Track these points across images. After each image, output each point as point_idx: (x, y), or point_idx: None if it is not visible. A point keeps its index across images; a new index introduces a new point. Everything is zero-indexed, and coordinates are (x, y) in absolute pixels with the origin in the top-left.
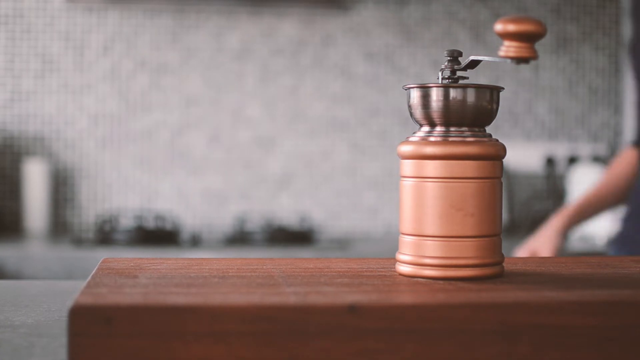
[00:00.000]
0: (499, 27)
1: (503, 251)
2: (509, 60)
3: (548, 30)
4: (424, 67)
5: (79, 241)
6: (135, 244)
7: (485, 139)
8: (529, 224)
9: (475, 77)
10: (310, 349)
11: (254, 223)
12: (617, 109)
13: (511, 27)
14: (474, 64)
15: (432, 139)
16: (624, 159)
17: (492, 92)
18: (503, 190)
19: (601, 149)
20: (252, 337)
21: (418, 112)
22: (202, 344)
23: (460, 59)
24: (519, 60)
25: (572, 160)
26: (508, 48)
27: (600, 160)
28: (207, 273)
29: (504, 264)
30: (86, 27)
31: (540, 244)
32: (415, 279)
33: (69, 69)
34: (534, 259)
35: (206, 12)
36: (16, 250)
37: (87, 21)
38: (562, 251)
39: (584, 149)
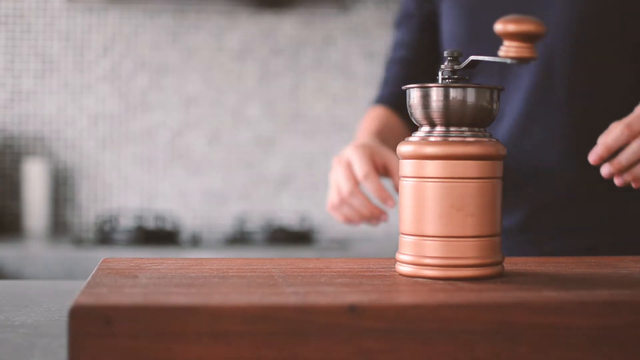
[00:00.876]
0: (498, 27)
1: (503, 251)
2: (509, 61)
3: None
4: None
5: (79, 241)
6: (135, 244)
7: (485, 139)
8: None
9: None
10: (310, 349)
11: (254, 223)
12: None
13: (511, 27)
14: (473, 64)
15: (432, 139)
16: (381, 113)
17: (492, 92)
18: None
19: None
20: (252, 337)
21: (418, 112)
22: (202, 344)
23: (460, 59)
24: (520, 60)
25: None
26: (508, 48)
27: None
28: (207, 273)
29: (504, 264)
30: (86, 27)
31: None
32: (415, 279)
33: (69, 69)
34: (534, 260)
35: (206, 12)
36: (16, 250)
37: (87, 21)
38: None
39: None
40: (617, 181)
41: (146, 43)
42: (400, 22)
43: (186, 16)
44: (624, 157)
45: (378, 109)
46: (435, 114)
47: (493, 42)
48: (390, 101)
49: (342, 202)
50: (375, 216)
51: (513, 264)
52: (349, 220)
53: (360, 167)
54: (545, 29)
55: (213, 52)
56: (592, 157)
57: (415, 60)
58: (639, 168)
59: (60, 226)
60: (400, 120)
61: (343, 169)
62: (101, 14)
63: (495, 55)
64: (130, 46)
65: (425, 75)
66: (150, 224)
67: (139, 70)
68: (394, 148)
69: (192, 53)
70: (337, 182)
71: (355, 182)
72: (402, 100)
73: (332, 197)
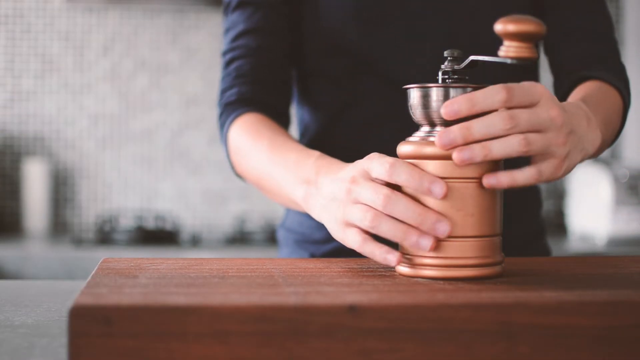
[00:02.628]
0: (498, 27)
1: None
2: (509, 61)
3: None
4: None
5: (79, 241)
6: (135, 244)
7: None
8: None
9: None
10: (310, 349)
11: (254, 223)
12: None
13: (511, 27)
14: (473, 64)
15: (432, 139)
16: (264, 121)
17: None
18: (503, 191)
19: None
20: (252, 337)
21: (418, 112)
22: (202, 344)
23: (460, 58)
24: (519, 60)
25: None
26: (508, 48)
27: (600, 160)
28: (207, 273)
29: (504, 264)
30: (86, 27)
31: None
32: (415, 279)
33: (69, 69)
34: (534, 260)
35: (206, 12)
36: (16, 250)
37: (87, 21)
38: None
39: None
40: (459, 155)
41: (146, 43)
42: (243, 3)
43: (186, 16)
44: (479, 125)
45: (255, 118)
46: (435, 114)
47: (397, 15)
48: (258, 101)
49: (376, 218)
50: (432, 222)
51: (513, 264)
52: (386, 258)
53: (381, 163)
54: (545, 29)
55: (213, 52)
56: (448, 108)
57: (270, 49)
58: (497, 144)
59: (60, 226)
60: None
61: (364, 182)
62: (101, 14)
63: (403, 41)
64: (130, 46)
65: (282, 65)
66: (150, 224)
67: (139, 70)
68: None
69: (192, 53)
70: (361, 199)
71: (389, 186)
72: (271, 97)
73: (359, 222)
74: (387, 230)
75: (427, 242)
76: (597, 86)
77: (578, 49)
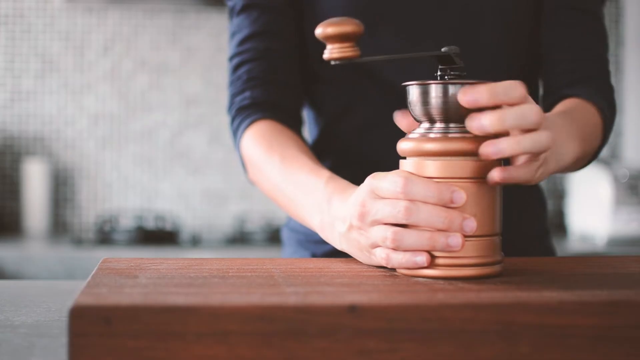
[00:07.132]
0: (318, 30)
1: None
2: (332, 62)
3: None
4: None
5: (79, 241)
6: (135, 244)
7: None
8: None
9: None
10: (310, 349)
11: (254, 223)
12: (618, 109)
13: (330, 30)
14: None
15: (431, 135)
16: (276, 130)
17: None
18: (505, 191)
19: None
20: (252, 337)
21: (417, 109)
22: (202, 344)
23: (458, 54)
24: (343, 60)
25: None
26: (331, 50)
27: (600, 160)
28: (207, 273)
29: (504, 264)
30: (86, 27)
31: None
32: (415, 279)
33: (69, 69)
34: (534, 260)
35: (206, 12)
36: (16, 250)
37: (87, 21)
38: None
39: None
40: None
41: (146, 43)
42: (247, 7)
43: (186, 16)
44: (510, 115)
45: (267, 127)
46: (435, 111)
47: (396, 17)
48: (272, 103)
49: (397, 236)
50: (459, 221)
51: (513, 264)
52: (415, 262)
53: (393, 181)
54: (363, 28)
55: (213, 52)
56: (467, 96)
57: (278, 51)
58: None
59: (60, 226)
60: (303, 140)
61: (375, 202)
62: (101, 14)
63: (400, 44)
64: (130, 46)
65: (291, 67)
66: (150, 224)
67: (139, 70)
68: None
69: (192, 53)
70: (379, 218)
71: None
72: (284, 99)
73: (381, 244)
74: (412, 243)
75: (458, 240)
76: (576, 103)
77: (567, 68)
